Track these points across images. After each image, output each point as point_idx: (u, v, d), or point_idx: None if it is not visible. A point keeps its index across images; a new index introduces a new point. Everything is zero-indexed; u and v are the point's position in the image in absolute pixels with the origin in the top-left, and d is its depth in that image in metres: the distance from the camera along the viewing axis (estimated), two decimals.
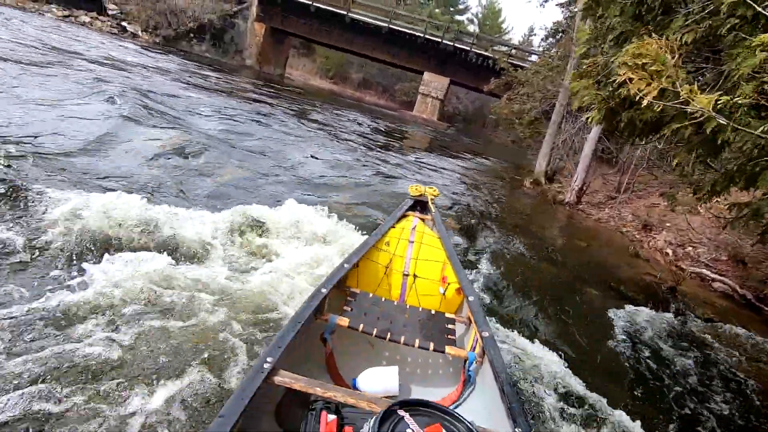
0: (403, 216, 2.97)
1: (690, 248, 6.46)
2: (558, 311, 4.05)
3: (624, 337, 3.79)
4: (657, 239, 6.83)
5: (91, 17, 20.50)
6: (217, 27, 25.21)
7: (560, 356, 3.03)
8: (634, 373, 3.26)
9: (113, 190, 3.39)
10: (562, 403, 2.52)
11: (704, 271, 5.76)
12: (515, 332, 3.19)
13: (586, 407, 2.57)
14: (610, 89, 2.32)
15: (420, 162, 10.11)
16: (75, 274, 2.44)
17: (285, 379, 1.41)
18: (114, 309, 2.22)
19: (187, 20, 24.11)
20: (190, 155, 5.13)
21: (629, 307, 4.36)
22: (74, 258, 2.56)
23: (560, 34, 13.80)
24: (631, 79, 1.67)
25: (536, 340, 3.14)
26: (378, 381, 1.86)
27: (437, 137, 19.92)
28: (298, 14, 25.52)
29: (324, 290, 1.89)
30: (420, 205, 3.26)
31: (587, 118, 2.95)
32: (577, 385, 2.73)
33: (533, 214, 8.09)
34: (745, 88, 1.55)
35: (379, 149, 9.85)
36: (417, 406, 1.20)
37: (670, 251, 6.39)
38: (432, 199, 3.27)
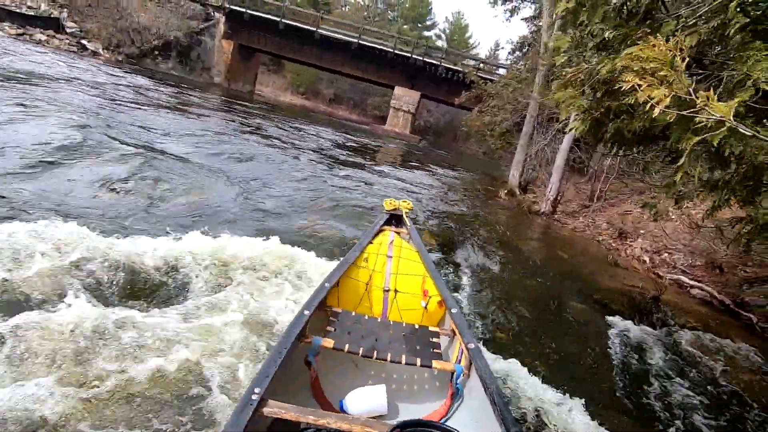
0: (380, 231, 2.94)
1: (666, 255, 6.50)
2: (543, 326, 3.90)
3: (611, 351, 3.67)
4: (633, 247, 6.85)
5: (48, 35, 19.66)
6: (184, 44, 24.68)
7: (546, 373, 2.89)
8: (621, 389, 3.13)
9: (46, 218, 3.03)
10: (546, 417, 2.44)
11: (682, 277, 5.76)
12: (499, 350, 3.03)
13: (571, 420, 2.49)
14: (597, 97, 2.20)
15: (393, 176, 9.97)
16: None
17: (274, 409, 1.38)
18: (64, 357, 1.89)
19: (151, 37, 23.50)
20: (145, 178, 4.77)
21: (614, 320, 4.26)
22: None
23: (527, 48, 14.10)
24: (639, 86, 1.52)
25: (521, 357, 2.99)
26: (366, 401, 1.82)
27: (410, 151, 19.93)
28: (267, 31, 25.34)
29: (306, 312, 1.85)
30: (395, 219, 3.24)
31: (570, 129, 2.84)
32: (564, 398, 2.62)
33: (510, 225, 8.02)
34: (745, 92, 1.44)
35: (351, 165, 9.65)
36: (415, 427, 1.18)
37: (647, 258, 6.41)
38: (406, 213, 3.24)
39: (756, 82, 1.49)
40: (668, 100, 1.45)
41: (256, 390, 1.36)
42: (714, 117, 1.38)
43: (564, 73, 2.50)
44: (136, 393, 1.85)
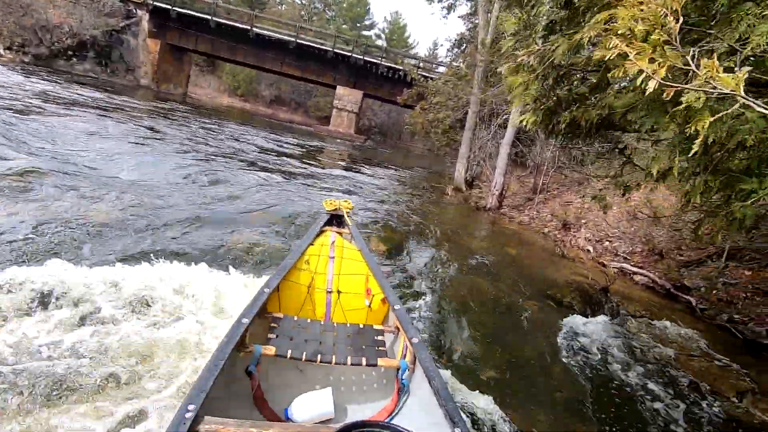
0: (321, 232, 2.90)
1: (607, 243, 6.64)
2: (495, 328, 3.70)
3: (565, 348, 3.54)
4: (577, 237, 6.96)
5: None
6: (102, 44, 22.64)
7: (499, 378, 2.69)
8: (580, 388, 2.97)
9: None
10: (496, 416, 2.36)
11: (625, 265, 5.88)
12: (450, 360, 2.78)
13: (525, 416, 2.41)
14: (549, 84, 1.97)
15: (337, 178, 9.57)
16: None
17: (211, 426, 1.27)
18: None
19: (63, 36, 21.32)
20: (49, 190, 4.03)
21: (567, 316, 4.16)
22: None
23: (465, 45, 14.22)
24: (626, 55, 1.26)
25: (474, 366, 2.75)
26: (312, 407, 1.78)
27: (354, 151, 19.59)
28: (198, 30, 23.93)
29: (245, 320, 1.77)
30: (336, 220, 3.20)
31: (522, 120, 2.61)
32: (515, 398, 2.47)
33: (458, 223, 7.91)
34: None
35: (292, 169, 9.12)
36: (361, 428, 1.14)
37: (590, 248, 6.51)
38: (347, 212, 3.20)
39: (755, 50, 1.30)
40: (663, 71, 1.21)
41: (190, 407, 1.26)
42: (722, 91, 1.15)
43: (515, 56, 2.25)
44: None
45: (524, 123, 2.64)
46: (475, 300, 4.12)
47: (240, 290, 2.98)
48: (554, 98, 2.04)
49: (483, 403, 2.42)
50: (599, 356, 3.52)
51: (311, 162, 11.51)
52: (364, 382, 2.10)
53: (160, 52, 24.49)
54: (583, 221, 7.44)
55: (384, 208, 7.08)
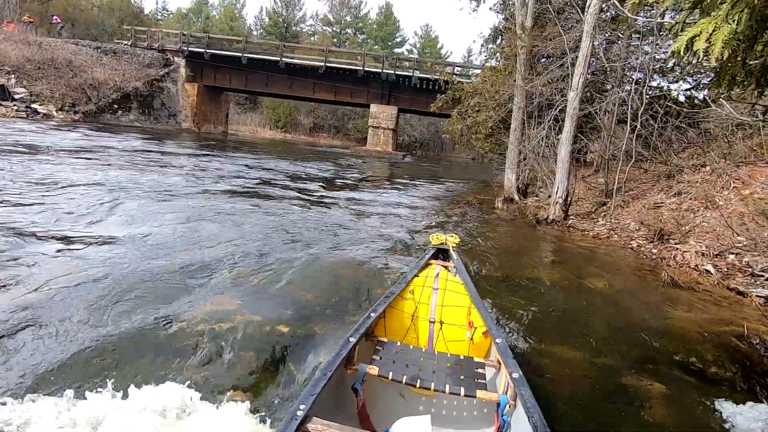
0: (426, 264, 2.96)
1: (733, 257, 4.74)
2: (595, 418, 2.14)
3: None
4: (684, 251, 5.09)
5: None
6: (144, 93, 23.58)
7: None
8: None
9: None
10: None
11: None
12: None
13: None
14: None
15: (376, 202, 8.27)
16: None
17: (317, 426, 1.39)
18: None
19: (108, 92, 22.37)
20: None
21: (712, 399, 2.48)
22: None
23: (500, 38, 12.68)
24: None
25: None
26: (411, 431, 1.70)
27: (394, 169, 18.38)
28: (231, 68, 24.37)
29: (352, 339, 1.88)
30: (442, 253, 3.29)
31: (689, 42, 1.22)
32: None
33: (515, 243, 6.27)
34: None
35: (325, 201, 7.96)
36: None
37: (710, 267, 4.64)
38: (453, 247, 3.29)
39: None
40: None
41: (301, 407, 1.39)
42: None
43: None
44: None
45: (697, 51, 1.31)
46: (562, 380, 2.57)
47: None
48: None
49: None
50: None
51: (343, 187, 10.36)
52: (463, 413, 2.10)
53: (197, 94, 25.16)
54: (686, 228, 5.55)
55: (418, 237, 5.65)
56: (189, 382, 2.11)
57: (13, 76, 20.37)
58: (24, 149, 8.86)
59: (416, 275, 2.70)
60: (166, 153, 12.19)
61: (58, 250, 3.59)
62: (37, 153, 8.65)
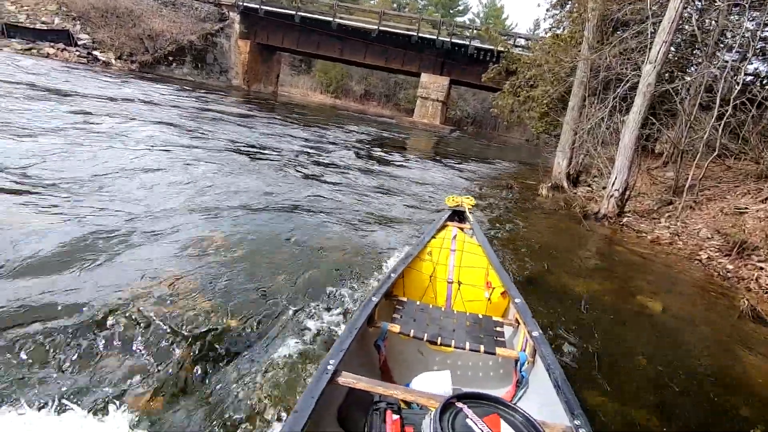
0: (443, 226, 2.98)
1: None
2: None
3: None
4: None
5: (57, 48, 19.12)
6: (198, 47, 23.72)
7: None
8: None
9: None
10: None
11: None
12: None
13: None
14: None
15: (411, 179, 7.52)
16: None
17: (348, 379, 1.45)
18: None
19: (164, 43, 22.68)
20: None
21: None
22: None
23: (568, 3, 11.13)
24: None
25: None
26: (431, 385, 1.74)
27: (438, 144, 17.34)
28: (284, 27, 23.88)
29: (374, 299, 1.92)
30: (458, 215, 3.29)
31: None
32: None
33: (552, 241, 5.33)
34: None
35: (361, 170, 7.35)
36: (474, 399, 1.17)
37: None
38: (469, 208, 3.29)
39: None
40: None
41: (331, 362, 1.44)
42: None
43: None
44: None
45: None
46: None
47: None
48: None
49: None
50: None
51: (381, 161, 9.66)
52: (482, 370, 2.12)
53: (249, 51, 25.03)
54: None
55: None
56: None
57: (78, 22, 21.07)
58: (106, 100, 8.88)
59: (433, 237, 2.74)
60: (243, 116, 12.01)
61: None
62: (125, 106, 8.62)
